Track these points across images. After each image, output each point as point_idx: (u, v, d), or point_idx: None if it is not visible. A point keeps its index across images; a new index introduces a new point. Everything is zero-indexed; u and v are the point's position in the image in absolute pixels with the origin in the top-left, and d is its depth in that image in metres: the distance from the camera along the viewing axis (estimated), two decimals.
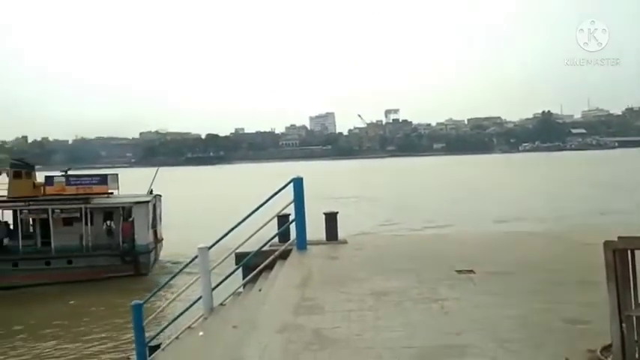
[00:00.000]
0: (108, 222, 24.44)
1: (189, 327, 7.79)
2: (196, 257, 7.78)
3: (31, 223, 24.13)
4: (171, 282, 10.87)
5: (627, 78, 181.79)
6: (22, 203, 23.29)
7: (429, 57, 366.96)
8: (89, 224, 23.28)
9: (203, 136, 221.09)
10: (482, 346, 4.29)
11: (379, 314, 5.17)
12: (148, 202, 23.99)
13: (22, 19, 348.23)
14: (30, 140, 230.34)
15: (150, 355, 7.87)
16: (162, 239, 26.14)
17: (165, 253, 25.99)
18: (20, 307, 19.78)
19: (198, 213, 41.30)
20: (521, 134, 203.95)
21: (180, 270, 8.55)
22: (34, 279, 21.78)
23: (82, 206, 23.18)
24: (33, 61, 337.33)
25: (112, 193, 25.07)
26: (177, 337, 7.90)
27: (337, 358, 4.15)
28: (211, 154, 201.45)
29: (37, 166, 27.41)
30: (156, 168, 27.45)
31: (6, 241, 23.68)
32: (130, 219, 23.62)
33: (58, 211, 23.50)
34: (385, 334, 4.65)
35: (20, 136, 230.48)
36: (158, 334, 8.32)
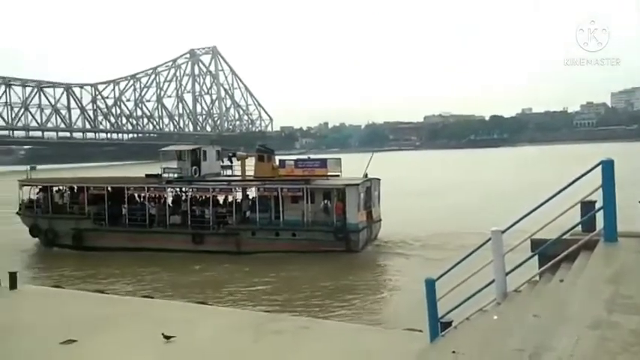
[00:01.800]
0: (325, 201, 26.71)
1: (481, 309, 7.74)
2: (489, 240, 7.66)
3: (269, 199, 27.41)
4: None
5: None
6: (260, 182, 27.49)
7: None
8: (309, 202, 26.12)
9: (487, 118, 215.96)
10: None
11: None
12: (358, 184, 25.94)
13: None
14: (330, 126, 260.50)
15: (442, 331, 8.13)
16: (379, 220, 28.00)
17: (390, 232, 27.88)
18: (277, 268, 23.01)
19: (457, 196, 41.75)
20: None
21: (471, 253, 8.46)
22: (266, 247, 25.60)
23: (304, 186, 26.14)
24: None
25: (338, 175, 27.62)
26: (467, 318, 7.94)
27: None
28: (495, 136, 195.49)
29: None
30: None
31: (248, 213, 27.59)
32: (344, 199, 25.55)
33: (286, 189, 26.44)
34: None
35: (322, 123, 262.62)
36: (449, 312, 8.47)
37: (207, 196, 27.87)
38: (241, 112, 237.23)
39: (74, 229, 29.00)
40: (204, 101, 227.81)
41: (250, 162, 29.32)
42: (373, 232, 27.39)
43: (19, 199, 31.66)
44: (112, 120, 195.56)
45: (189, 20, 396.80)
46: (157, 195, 29.20)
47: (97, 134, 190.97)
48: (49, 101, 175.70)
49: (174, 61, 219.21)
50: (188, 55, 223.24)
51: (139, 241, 27.41)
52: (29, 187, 31.72)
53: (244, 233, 26.59)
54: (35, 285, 15.24)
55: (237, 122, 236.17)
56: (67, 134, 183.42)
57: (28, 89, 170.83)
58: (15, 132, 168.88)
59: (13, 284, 13.69)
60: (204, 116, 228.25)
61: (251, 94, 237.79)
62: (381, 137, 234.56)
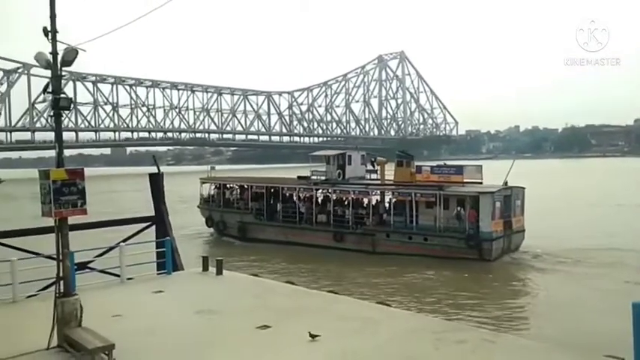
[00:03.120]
0: (459, 208, 26.04)
1: None
2: None
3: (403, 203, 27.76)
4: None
5: None
6: (395, 186, 28.70)
7: None
8: (442, 208, 25.98)
9: None
10: None
11: None
12: (493, 193, 25.20)
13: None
14: (522, 129, 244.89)
15: None
16: (521, 230, 27.09)
17: (538, 244, 26.66)
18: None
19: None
20: None
21: None
22: (399, 249, 26.39)
23: (437, 192, 26.17)
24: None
25: (479, 182, 27.16)
26: None
27: None
28: None
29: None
30: None
31: (385, 215, 28.47)
32: (477, 207, 24.98)
33: (419, 195, 26.66)
34: None
35: (513, 126, 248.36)
36: None
37: (349, 197, 29.26)
38: (426, 115, 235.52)
39: (239, 222, 33.05)
40: (390, 105, 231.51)
41: (391, 167, 30.38)
42: (512, 242, 26.33)
43: (199, 194, 37.08)
44: (305, 124, 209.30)
45: (378, 27, 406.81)
46: (308, 195, 31.46)
47: (291, 138, 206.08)
48: (253, 108, 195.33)
49: (363, 67, 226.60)
50: (376, 61, 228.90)
51: (289, 236, 30.41)
52: (208, 184, 36.78)
53: (379, 234, 27.52)
54: (234, 272, 16.76)
55: (422, 126, 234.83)
56: (267, 137, 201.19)
57: (235, 97, 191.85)
58: (224, 135, 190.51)
59: (219, 270, 15.07)
60: (388, 120, 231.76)
61: (436, 98, 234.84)
62: (581, 142, 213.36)
